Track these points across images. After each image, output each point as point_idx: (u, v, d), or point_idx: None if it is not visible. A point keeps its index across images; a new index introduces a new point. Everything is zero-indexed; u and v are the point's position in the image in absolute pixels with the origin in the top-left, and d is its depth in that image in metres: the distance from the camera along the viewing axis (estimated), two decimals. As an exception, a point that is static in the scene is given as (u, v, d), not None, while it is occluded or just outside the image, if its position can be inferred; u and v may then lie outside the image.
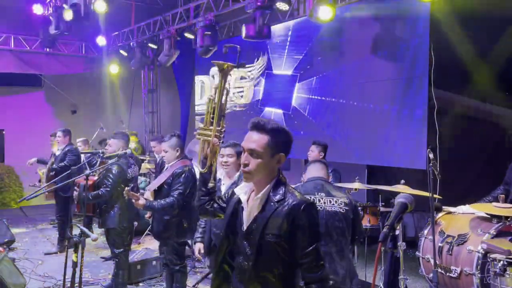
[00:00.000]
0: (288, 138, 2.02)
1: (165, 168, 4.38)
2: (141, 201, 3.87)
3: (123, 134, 4.91)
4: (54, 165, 6.34)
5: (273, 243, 1.89)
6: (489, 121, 6.44)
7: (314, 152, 5.19)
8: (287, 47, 7.48)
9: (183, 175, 4.07)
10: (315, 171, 3.33)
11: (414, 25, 5.54)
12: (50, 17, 7.94)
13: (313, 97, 7.20)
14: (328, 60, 6.85)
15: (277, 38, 7.61)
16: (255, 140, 1.95)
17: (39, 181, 6.89)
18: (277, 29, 7.55)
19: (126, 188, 4.00)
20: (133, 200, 3.90)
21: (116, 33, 9.83)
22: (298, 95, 7.46)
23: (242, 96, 8.78)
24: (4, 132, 10.13)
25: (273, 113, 8.05)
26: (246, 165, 1.96)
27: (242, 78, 8.72)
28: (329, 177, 3.52)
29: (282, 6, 6.35)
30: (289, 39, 7.46)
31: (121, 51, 9.55)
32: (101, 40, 9.49)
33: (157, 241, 4.49)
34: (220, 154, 3.47)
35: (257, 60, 8.42)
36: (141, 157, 7.97)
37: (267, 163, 1.96)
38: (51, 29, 7.94)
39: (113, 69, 9.85)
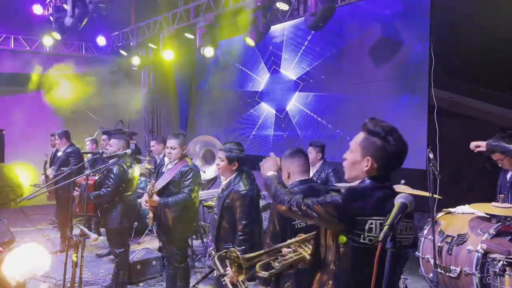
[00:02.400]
0: (382, 144, 1.85)
1: (165, 166, 4.38)
2: (155, 198, 3.95)
3: (123, 134, 4.92)
4: (54, 167, 6.35)
5: None
6: (489, 121, 6.43)
7: (312, 153, 5.04)
8: (301, 51, 7.29)
9: (191, 173, 4.12)
10: (303, 172, 2.92)
11: (414, 25, 5.54)
12: (50, 17, 7.95)
13: (306, 110, 7.24)
14: (331, 80, 6.80)
15: (296, 36, 7.36)
16: (355, 137, 1.96)
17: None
18: (298, 24, 7.23)
19: (153, 181, 4.03)
20: (148, 198, 3.95)
21: (116, 33, 9.83)
22: (294, 103, 7.47)
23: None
24: (4, 132, 10.13)
25: (267, 110, 8.07)
26: (344, 159, 1.98)
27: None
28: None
29: (282, 6, 6.35)
30: (306, 43, 7.22)
31: (121, 51, 9.55)
32: (101, 40, 9.49)
33: (163, 240, 4.48)
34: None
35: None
36: (140, 157, 7.98)
37: (357, 161, 1.91)
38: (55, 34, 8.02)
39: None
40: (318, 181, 4.84)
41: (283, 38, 7.58)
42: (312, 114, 7.10)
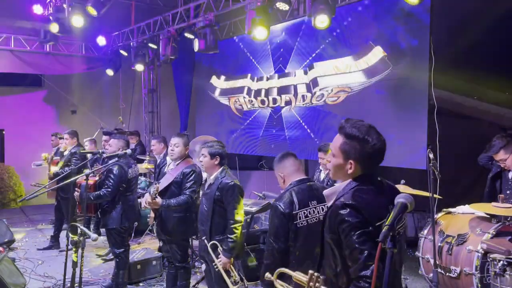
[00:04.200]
0: (362, 147, 1.88)
1: (167, 166, 4.38)
2: (158, 200, 3.98)
3: (122, 134, 4.93)
4: (58, 167, 6.36)
5: (329, 240, 1.92)
6: (489, 121, 6.44)
7: (324, 159, 5.06)
8: (312, 56, 7.08)
9: (193, 174, 4.17)
10: (297, 171, 3.04)
11: (414, 24, 5.54)
12: (50, 17, 7.94)
13: (300, 121, 7.28)
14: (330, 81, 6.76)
15: (311, 38, 7.05)
16: (334, 140, 1.98)
17: (44, 161, 6.94)
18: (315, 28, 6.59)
19: (157, 185, 4.02)
20: (149, 200, 3.95)
21: (116, 33, 9.83)
22: (289, 109, 7.50)
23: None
24: (4, 132, 10.14)
25: (262, 108, 8.10)
26: (328, 162, 2.01)
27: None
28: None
29: (282, 6, 6.35)
30: (317, 51, 6.97)
31: (121, 51, 9.56)
32: (101, 40, 9.49)
33: (163, 240, 4.48)
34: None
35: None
36: (141, 157, 7.98)
37: (340, 165, 1.94)
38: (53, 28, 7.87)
39: (110, 72, 9.89)
40: (328, 184, 4.84)
41: (297, 38, 7.33)
42: (304, 125, 7.17)
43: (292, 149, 7.22)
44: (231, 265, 3.54)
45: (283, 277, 2.16)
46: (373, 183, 1.94)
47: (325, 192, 2.08)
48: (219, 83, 9.20)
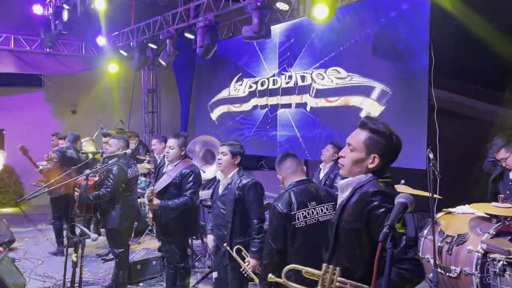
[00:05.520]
0: (387, 142, 1.96)
1: (166, 167, 4.36)
2: (155, 201, 3.93)
3: (122, 135, 4.93)
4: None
5: (350, 230, 1.96)
6: (489, 121, 6.43)
7: (329, 151, 5.06)
8: (318, 64, 7.07)
9: (192, 175, 4.11)
10: (295, 172, 3.03)
11: (414, 25, 5.54)
12: (50, 17, 7.94)
13: (294, 127, 7.32)
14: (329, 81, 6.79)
15: (318, 44, 7.05)
16: (354, 135, 2.02)
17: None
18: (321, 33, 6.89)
19: (151, 187, 4.00)
20: (147, 201, 3.92)
21: (116, 33, 9.83)
22: (286, 111, 7.49)
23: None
24: (4, 132, 10.14)
25: (259, 106, 8.08)
26: (342, 157, 2.05)
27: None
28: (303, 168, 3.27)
29: (282, 6, 6.35)
30: (321, 61, 6.99)
31: (121, 51, 9.55)
32: (101, 40, 9.49)
33: (162, 240, 4.48)
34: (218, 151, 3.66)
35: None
36: (141, 157, 7.98)
37: (361, 159, 1.98)
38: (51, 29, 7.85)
39: (112, 68, 9.87)
40: (327, 182, 4.84)
41: (310, 36, 7.24)
42: (298, 131, 7.19)
43: (283, 149, 7.25)
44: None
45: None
46: (387, 177, 2.00)
47: (340, 183, 2.11)
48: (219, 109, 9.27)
